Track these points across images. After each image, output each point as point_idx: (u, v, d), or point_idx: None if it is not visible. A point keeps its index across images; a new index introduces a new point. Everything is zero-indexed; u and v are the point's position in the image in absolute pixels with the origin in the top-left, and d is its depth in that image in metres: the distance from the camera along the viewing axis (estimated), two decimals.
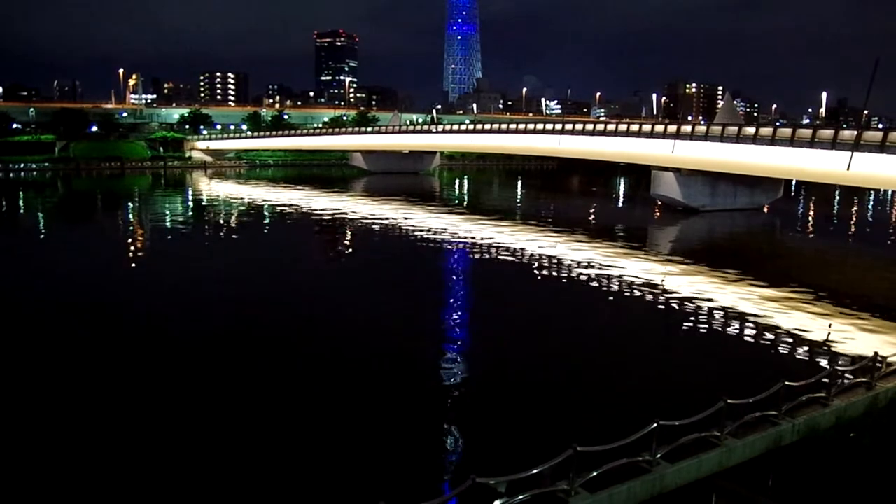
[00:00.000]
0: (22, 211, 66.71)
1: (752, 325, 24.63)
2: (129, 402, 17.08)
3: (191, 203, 72.14)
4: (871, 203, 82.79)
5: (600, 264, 36.32)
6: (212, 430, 15.68)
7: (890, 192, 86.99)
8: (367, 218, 56.95)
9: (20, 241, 47.24)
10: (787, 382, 12.96)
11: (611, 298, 29.22)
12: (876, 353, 15.25)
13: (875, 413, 13.91)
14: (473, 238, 45.52)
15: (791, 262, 41.00)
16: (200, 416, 16.44)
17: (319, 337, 23.12)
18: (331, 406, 17.06)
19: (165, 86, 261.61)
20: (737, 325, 24.68)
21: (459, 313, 27.18)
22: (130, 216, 61.73)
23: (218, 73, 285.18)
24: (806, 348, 21.92)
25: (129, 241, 46.02)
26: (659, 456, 11.01)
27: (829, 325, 24.61)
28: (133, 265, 37.25)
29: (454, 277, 35.37)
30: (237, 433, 15.44)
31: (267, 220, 57.19)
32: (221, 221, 57.06)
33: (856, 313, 26.34)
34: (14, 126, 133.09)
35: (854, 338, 23.14)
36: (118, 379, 18.74)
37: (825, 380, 14.08)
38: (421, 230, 49.27)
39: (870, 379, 14.82)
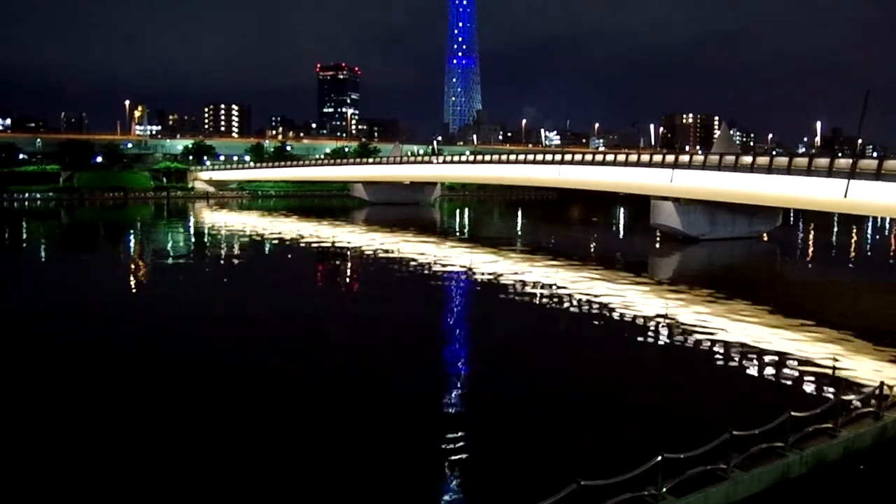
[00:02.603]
0: (23, 240, 66.86)
1: (754, 354, 24.51)
2: (123, 425, 16.95)
3: (192, 233, 72.32)
4: (870, 230, 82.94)
5: (601, 294, 36.26)
6: (204, 472, 15.51)
7: (888, 219, 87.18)
8: (367, 249, 57.03)
9: (17, 270, 47.20)
10: (793, 413, 12.85)
11: (612, 328, 29.11)
12: (882, 383, 15.15)
13: (884, 443, 13.78)
14: (474, 268, 45.53)
15: (792, 290, 40.94)
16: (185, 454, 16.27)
17: (318, 367, 22.99)
18: (331, 439, 16.91)
19: (170, 117, 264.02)
20: (739, 355, 24.56)
21: (459, 344, 27.07)
22: (130, 246, 61.82)
23: (222, 105, 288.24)
24: (810, 377, 21.78)
25: (127, 271, 46.03)
26: (664, 490, 10.85)
27: (833, 354, 24.48)
28: (131, 296, 37.19)
29: (454, 308, 35.30)
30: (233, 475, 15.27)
31: (268, 251, 57.27)
32: (222, 252, 57.17)
33: (859, 341, 26.22)
34: (20, 156, 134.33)
35: (858, 366, 23.01)
36: (110, 404, 18.61)
37: (832, 410, 13.96)
38: (422, 261, 49.32)
39: (877, 409, 14.70)
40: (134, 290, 38.61)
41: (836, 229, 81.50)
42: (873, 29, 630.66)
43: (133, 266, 48.95)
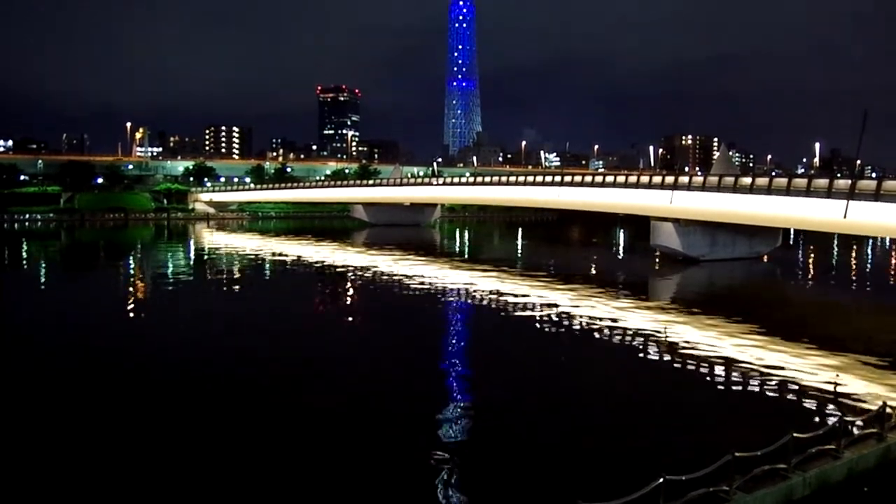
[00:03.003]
0: (21, 261, 66.82)
1: (755, 375, 24.35)
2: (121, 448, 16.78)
3: (192, 255, 72.32)
4: (870, 250, 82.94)
5: (602, 316, 36.17)
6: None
7: (888, 240, 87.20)
8: (367, 270, 56.98)
9: (15, 292, 47.11)
10: (795, 434, 12.72)
11: (612, 350, 28.99)
12: (885, 404, 15.01)
13: (887, 465, 13.62)
14: (474, 290, 45.45)
15: (793, 311, 40.81)
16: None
17: (318, 391, 22.84)
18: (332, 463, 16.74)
19: (171, 139, 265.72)
20: (740, 376, 24.39)
21: (460, 368, 26.92)
22: (129, 268, 61.75)
23: (223, 127, 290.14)
24: (812, 398, 21.62)
25: (125, 294, 45.89)
26: None
27: (835, 375, 24.32)
28: (129, 318, 37.06)
29: (455, 330, 35.20)
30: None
31: (268, 273, 57.20)
32: (222, 273, 57.10)
33: (861, 362, 26.07)
34: (22, 178, 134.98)
35: (860, 387, 22.84)
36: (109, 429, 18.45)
37: (835, 431, 13.82)
38: (423, 282, 49.26)
39: (880, 430, 14.55)
40: (131, 313, 38.45)
41: (836, 250, 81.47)
42: (871, 57, 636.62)
43: (131, 288, 48.83)
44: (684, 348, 28.71)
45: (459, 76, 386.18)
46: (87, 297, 44.67)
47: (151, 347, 28.81)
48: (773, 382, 23.52)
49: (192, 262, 64.96)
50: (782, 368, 25.26)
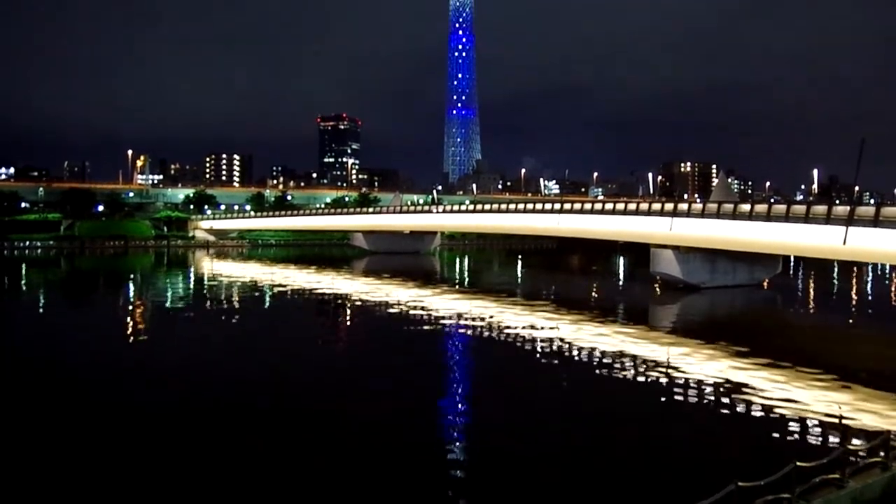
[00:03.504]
0: (19, 288, 66.70)
1: (757, 403, 24.13)
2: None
3: (192, 283, 72.22)
4: (870, 276, 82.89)
5: (601, 344, 35.99)
6: None
7: (888, 266, 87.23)
8: (367, 298, 56.87)
9: (13, 319, 46.94)
10: (798, 463, 12.55)
11: (614, 377, 28.78)
12: (889, 432, 14.87)
13: (893, 494, 13.41)
14: (474, 318, 45.28)
15: (794, 338, 40.61)
16: None
17: (318, 419, 22.64)
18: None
19: (172, 167, 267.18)
20: (742, 404, 24.17)
21: (459, 400, 26.72)
22: (128, 296, 61.60)
23: (224, 155, 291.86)
24: (815, 427, 21.40)
25: (122, 322, 45.72)
26: None
27: (838, 403, 24.11)
28: (127, 346, 36.85)
29: (454, 359, 35.00)
30: None
31: (267, 301, 57.05)
32: (221, 302, 56.96)
33: (863, 389, 25.86)
34: (23, 205, 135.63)
35: (863, 415, 22.62)
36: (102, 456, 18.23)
37: (839, 460, 13.64)
38: (422, 311, 49.14)
39: (885, 459, 14.36)
40: (129, 341, 38.25)
41: (836, 276, 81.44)
42: (868, 84, 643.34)
43: (129, 317, 48.64)
44: (685, 376, 28.49)
45: (459, 105, 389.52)
46: (84, 325, 44.45)
47: (149, 374, 28.56)
48: (776, 410, 23.30)
49: (191, 290, 64.84)
50: (785, 396, 25.05)
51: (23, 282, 74.41)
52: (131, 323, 44.30)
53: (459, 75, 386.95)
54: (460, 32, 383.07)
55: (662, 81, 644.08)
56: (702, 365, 30.86)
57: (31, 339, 38.34)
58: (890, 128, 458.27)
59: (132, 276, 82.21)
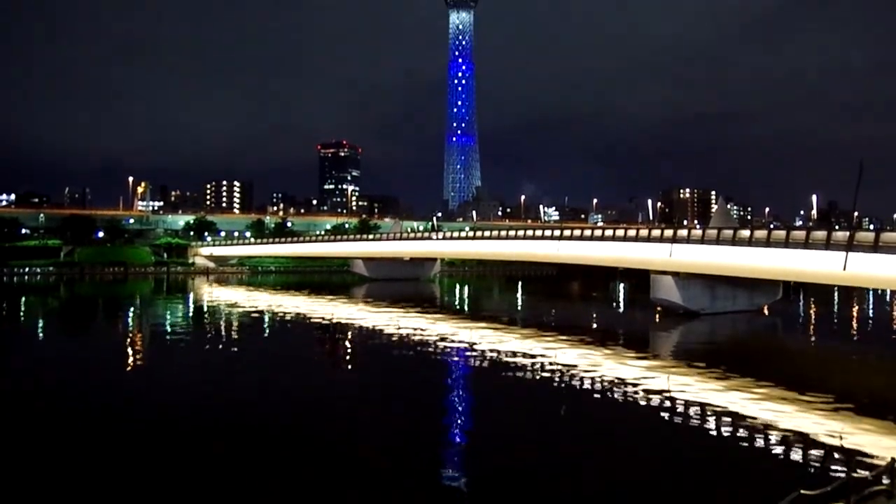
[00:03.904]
0: (18, 315, 66.51)
1: (760, 430, 23.93)
2: None
3: (191, 309, 72.05)
4: (871, 302, 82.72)
5: (603, 372, 35.79)
6: None
7: (888, 291, 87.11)
8: (367, 325, 56.71)
9: (10, 345, 46.73)
10: (802, 491, 12.41)
11: (614, 404, 28.57)
12: (893, 459, 14.68)
13: None
14: (474, 345, 45.11)
15: (795, 364, 40.42)
16: None
17: (318, 449, 22.44)
18: None
19: (172, 193, 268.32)
20: (745, 431, 23.96)
21: (461, 423, 26.53)
22: (127, 323, 61.39)
23: (224, 182, 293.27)
24: (818, 454, 21.18)
25: (119, 350, 45.51)
26: None
27: (841, 430, 23.88)
28: (126, 373, 36.65)
29: (455, 386, 34.79)
30: None
31: (267, 328, 56.85)
32: (221, 329, 56.76)
33: (866, 416, 25.64)
34: (23, 231, 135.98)
35: (867, 442, 22.41)
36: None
37: (843, 488, 13.47)
38: (422, 338, 48.96)
39: (890, 487, 14.18)
40: (127, 368, 38.05)
41: (836, 301, 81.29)
42: (861, 109, 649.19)
43: (126, 344, 48.45)
44: (687, 402, 28.29)
45: (459, 132, 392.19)
46: (82, 352, 44.28)
47: (147, 401, 28.38)
48: (778, 437, 23.10)
49: (190, 317, 64.65)
50: (787, 423, 24.85)
51: (21, 308, 74.23)
52: (129, 350, 44.08)
53: (459, 103, 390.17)
54: (460, 61, 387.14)
55: (661, 108, 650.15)
56: (703, 392, 30.65)
57: (29, 366, 38.12)
58: (888, 153, 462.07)
59: (131, 302, 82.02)
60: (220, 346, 46.30)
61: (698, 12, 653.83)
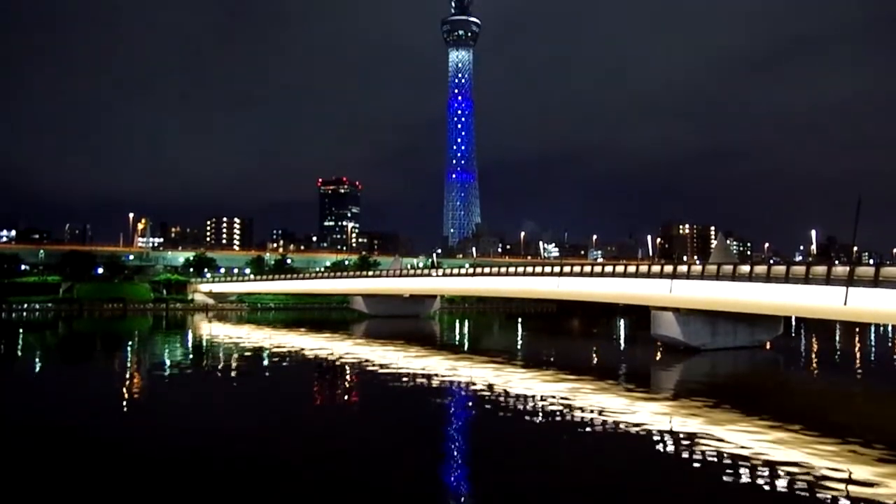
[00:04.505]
0: (16, 351, 66.06)
1: (765, 468, 23.55)
2: None
3: (189, 346, 71.62)
4: (873, 337, 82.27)
5: (605, 408, 35.44)
6: None
7: (889, 326, 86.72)
8: (367, 363, 56.31)
9: (3, 384, 46.32)
10: None
11: (617, 443, 28.21)
12: None
13: None
14: (474, 383, 44.72)
15: (798, 401, 40.02)
16: None
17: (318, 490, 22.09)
18: None
19: (172, 230, 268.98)
20: (748, 469, 23.60)
21: (460, 464, 26.18)
22: (125, 360, 60.94)
23: (224, 218, 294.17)
24: (824, 492, 20.82)
25: (116, 388, 45.12)
26: None
27: (847, 468, 23.53)
28: (122, 411, 36.28)
29: (455, 426, 34.39)
30: None
31: (265, 366, 56.42)
32: (219, 366, 56.34)
33: (871, 454, 25.30)
34: (23, 267, 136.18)
35: (874, 479, 22.06)
36: None
37: None
38: (422, 376, 48.60)
39: None
40: (124, 406, 37.65)
41: (838, 337, 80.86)
42: (858, 145, 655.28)
43: (122, 382, 48.05)
44: (689, 440, 27.94)
45: (458, 168, 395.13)
46: (78, 390, 43.85)
47: (144, 439, 28.01)
48: (783, 475, 22.73)
49: (189, 354, 64.22)
50: (792, 461, 24.48)
51: (19, 344, 73.77)
52: (125, 388, 43.68)
53: (459, 140, 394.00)
54: (459, 98, 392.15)
55: (661, 145, 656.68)
56: (705, 428, 30.27)
57: (25, 403, 37.74)
58: (887, 188, 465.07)
59: (129, 339, 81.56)
60: (219, 384, 45.87)
61: (698, 51, 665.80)
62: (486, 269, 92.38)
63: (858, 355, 66.99)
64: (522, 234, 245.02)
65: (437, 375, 47.39)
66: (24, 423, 31.65)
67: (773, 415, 32.38)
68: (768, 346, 63.44)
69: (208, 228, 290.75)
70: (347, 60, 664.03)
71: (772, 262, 78.22)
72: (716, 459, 24.99)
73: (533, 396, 38.39)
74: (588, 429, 30.51)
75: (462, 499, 21.25)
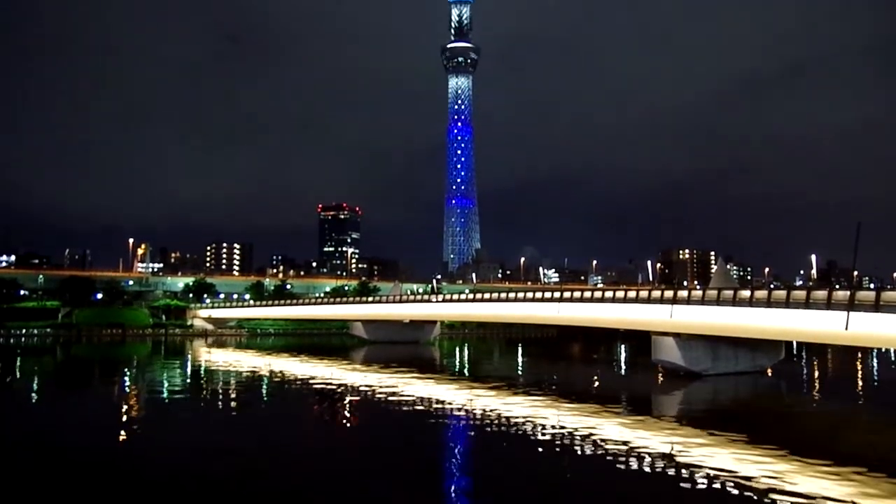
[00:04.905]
0: (14, 376, 65.65)
1: (768, 495, 23.28)
2: None
3: (188, 373, 71.20)
4: (875, 361, 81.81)
5: (606, 435, 35.12)
6: None
7: (892, 350, 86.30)
8: (366, 389, 55.97)
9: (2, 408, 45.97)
10: None
11: (618, 469, 27.91)
12: None
13: None
14: (475, 408, 44.41)
15: (801, 426, 39.68)
16: None
17: None
18: None
19: (172, 255, 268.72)
20: (753, 497, 23.31)
21: (462, 488, 25.89)
22: (123, 387, 60.54)
23: (224, 244, 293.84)
24: None
25: (113, 414, 44.79)
26: None
27: (852, 496, 23.25)
28: (118, 441, 35.96)
29: (454, 455, 34.08)
30: None
31: (264, 392, 56.08)
32: (218, 393, 55.97)
33: (877, 481, 25.02)
34: (22, 293, 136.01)
35: None
36: None
37: None
38: (421, 401, 48.30)
39: None
40: (122, 434, 37.32)
41: (840, 362, 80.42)
42: (858, 170, 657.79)
43: (119, 409, 47.70)
44: (692, 467, 27.64)
45: (458, 194, 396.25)
46: (75, 416, 43.50)
47: (140, 469, 27.73)
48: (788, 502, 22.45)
49: (187, 380, 63.82)
50: (796, 489, 24.21)
51: (16, 370, 73.33)
52: (122, 415, 43.34)
53: (458, 166, 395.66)
54: (459, 124, 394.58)
55: (660, 169, 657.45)
56: (707, 455, 29.98)
57: (22, 430, 37.40)
58: (886, 213, 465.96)
59: (127, 365, 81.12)
60: (218, 411, 45.54)
61: (698, 74, 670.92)
62: (487, 295, 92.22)
63: (861, 381, 66.57)
64: (522, 259, 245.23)
65: (436, 401, 47.04)
66: (21, 447, 31.34)
67: (775, 441, 32.05)
68: (770, 372, 63.09)
69: (208, 254, 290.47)
70: (347, 87, 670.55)
71: (772, 286, 78.15)
72: (719, 487, 24.71)
73: (533, 423, 38.06)
74: (589, 455, 30.19)
75: None
